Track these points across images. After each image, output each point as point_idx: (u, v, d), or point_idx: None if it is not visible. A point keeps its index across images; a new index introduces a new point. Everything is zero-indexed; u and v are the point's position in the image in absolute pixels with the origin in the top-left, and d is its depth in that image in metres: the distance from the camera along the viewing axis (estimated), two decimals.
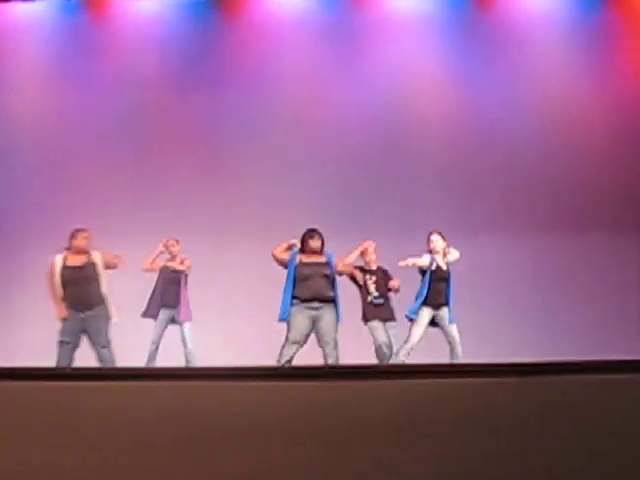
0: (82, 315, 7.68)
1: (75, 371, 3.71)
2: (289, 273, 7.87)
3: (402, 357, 8.03)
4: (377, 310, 8.46)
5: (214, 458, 3.21)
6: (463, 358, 7.98)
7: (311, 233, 7.95)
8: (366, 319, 8.46)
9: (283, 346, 7.70)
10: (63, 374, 3.80)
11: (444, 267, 8.26)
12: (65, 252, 7.90)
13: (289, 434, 3.39)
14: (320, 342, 7.77)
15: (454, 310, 8.17)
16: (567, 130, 10.33)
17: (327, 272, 7.83)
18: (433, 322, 8.20)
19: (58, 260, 7.84)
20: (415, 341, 8.10)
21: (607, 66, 10.48)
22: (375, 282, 8.51)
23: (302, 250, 7.96)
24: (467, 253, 9.13)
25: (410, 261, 8.20)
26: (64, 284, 7.75)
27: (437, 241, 8.27)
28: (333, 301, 7.80)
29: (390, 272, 8.59)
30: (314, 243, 7.90)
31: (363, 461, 3.07)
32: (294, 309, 7.76)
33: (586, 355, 6.26)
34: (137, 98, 10.50)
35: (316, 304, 7.73)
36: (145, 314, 8.94)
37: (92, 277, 7.81)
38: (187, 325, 8.86)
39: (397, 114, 10.42)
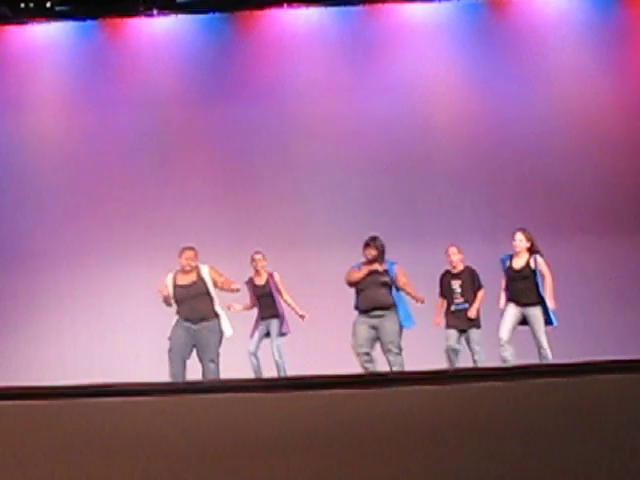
0: (194, 327, 7.83)
1: (107, 388, 3.72)
2: None
3: (502, 354, 8.05)
4: (458, 317, 8.32)
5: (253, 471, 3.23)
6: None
7: (367, 241, 8.06)
8: (447, 326, 8.35)
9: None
10: (97, 391, 3.83)
11: (517, 267, 8.25)
12: (175, 271, 8.05)
13: (315, 444, 3.40)
14: (383, 349, 7.90)
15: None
16: (587, 130, 10.27)
17: (384, 280, 7.89)
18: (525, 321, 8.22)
19: (169, 279, 8.00)
20: (503, 336, 8.08)
21: (624, 64, 10.43)
22: (461, 286, 8.39)
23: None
24: (489, 257, 9.10)
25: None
26: (176, 302, 7.98)
27: (520, 240, 8.30)
28: (394, 308, 7.88)
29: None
30: (367, 252, 7.99)
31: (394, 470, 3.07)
32: (356, 320, 7.96)
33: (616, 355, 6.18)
34: (155, 116, 10.56)
35: (377, 312, 7.84)
36: (252, 335, 8.74)
37: (202, 293, 7.95)
38: (278, 339, 8.65)
39: (416, 122, 10.40)
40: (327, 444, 3.48)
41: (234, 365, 7.85)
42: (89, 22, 10.75)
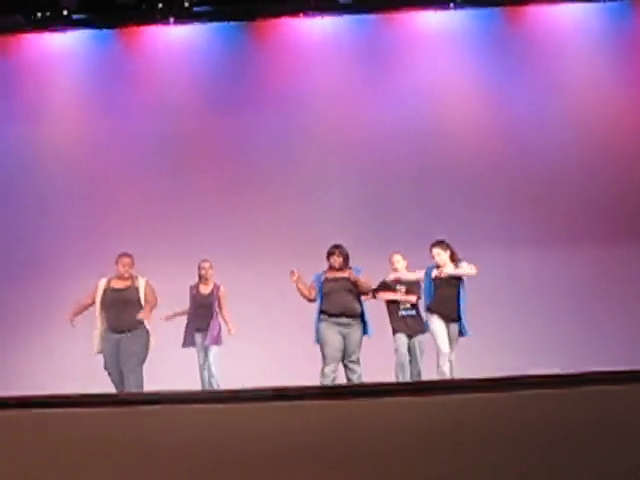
0: (117, 337, 7.76)
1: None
2: (318, 292, 7.90)
3: (442, 368, 7.79)
4: (406, 322, 8.28)
5: None
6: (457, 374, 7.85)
7: (332, 249, 7.96)
8: (394, 332, 8.27)
9: (324, 366, 7.68)
10: (108, 400, 3.85)
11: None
12: (110, 276, 8.02)
13: (315, 455, 3.40)
14: (344, 357, 7.75)
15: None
16: (601, 140, 10.25)
17: (351, 287, 7.83)
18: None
19: (102, 283, 7.95)
20: (446, 349, 7.81)
21: (639, 73, 10.40)
22: (406, 293, 8.32)
23: (329, 267, 8.01)
24: (505, 266, 9.09)
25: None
26: (106, 306, 7.85)
27: (438, 254, 7.96)
28: (361, 316, 7.82)
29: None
30: (333, 260, 7.93)
31: None
32: (323, 325, 7.75)
33: (628, 365, 6.18)
34: (171, 123, 10.60)
35: (344, 319, 7.73)
36: (184, 344, 8.84)
37: (133, 301, 7.87)
38: (213, 349, 8.73)
39: (431, 130, 10.41)
40: (340, 453, 3.48)
41: (166, 375, 7.80)
42: (105, 30, 10.83)
